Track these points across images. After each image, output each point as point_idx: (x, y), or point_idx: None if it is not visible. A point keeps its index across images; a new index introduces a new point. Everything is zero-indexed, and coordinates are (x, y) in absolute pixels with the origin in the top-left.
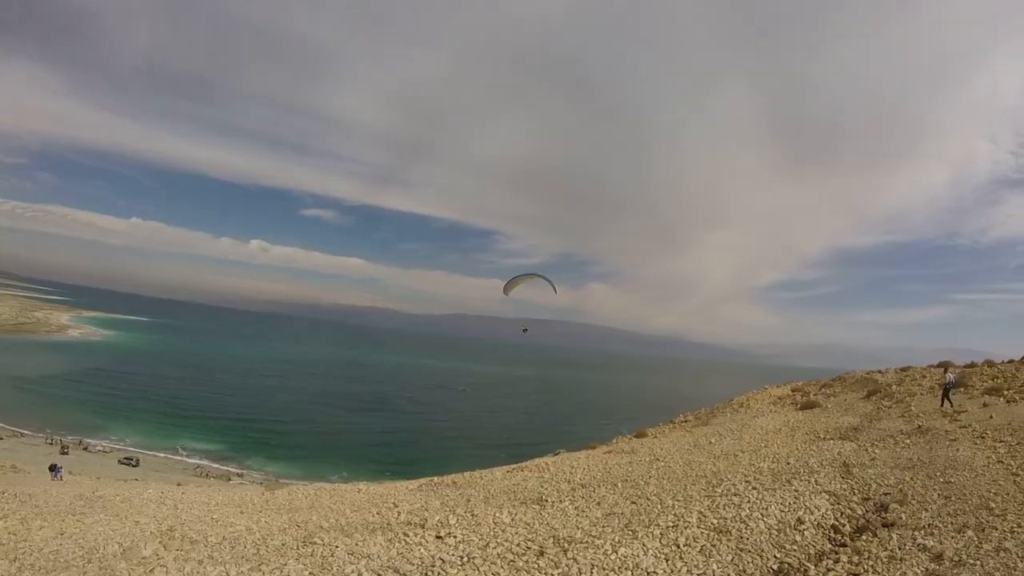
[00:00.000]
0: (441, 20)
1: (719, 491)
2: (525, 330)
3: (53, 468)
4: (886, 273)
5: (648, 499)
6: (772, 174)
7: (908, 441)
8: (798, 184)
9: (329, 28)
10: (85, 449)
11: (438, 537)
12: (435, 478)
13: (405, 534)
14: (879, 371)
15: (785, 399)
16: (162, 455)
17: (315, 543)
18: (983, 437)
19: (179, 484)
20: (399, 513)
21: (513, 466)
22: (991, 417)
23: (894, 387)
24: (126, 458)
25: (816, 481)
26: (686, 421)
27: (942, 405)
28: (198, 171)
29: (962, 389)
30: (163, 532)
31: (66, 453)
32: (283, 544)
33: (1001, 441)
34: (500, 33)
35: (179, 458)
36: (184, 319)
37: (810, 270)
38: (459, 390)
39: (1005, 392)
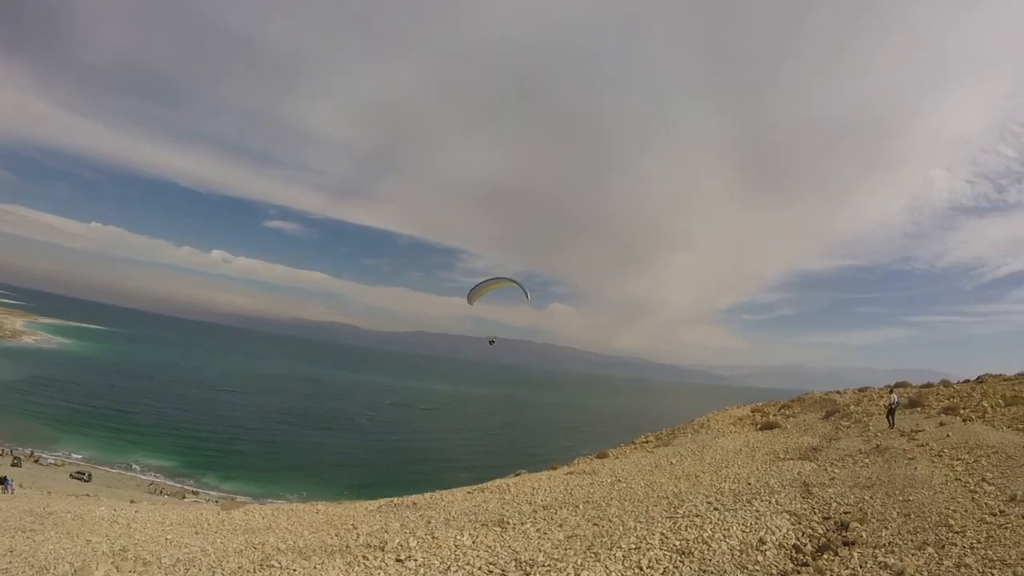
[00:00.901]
0: (412, 38)
1: (681, 512)
2: (492, 342)
3: (3, 481)
4: (844, 296)
5: (610, 521)
6: (733, 199)
7: (867, 460)
8: (758, 209)
9: (301, 39)
10: (36, 462)
11: (398, 560)
12: (395, 499)
13: (364, 557)
14: (837, 391)
15: (745, 420)
16: (115, 470)
17: (272, 566)
18: (940, 455)
19: (132, 501)
20: (358, 535)
21: (474, 487)
22: (948, 436)
23: (852, 407)
24: (78, 472)
25: (777, 501)
26: (647, 442)
27: (891, 426)
28: (161, 177)
29: (919, 409)
30: (115, 552)
31: (17, 465)
32: (239, 567)
33: (958, 459)
34: (470, 54)
35: (132, 473)
36: (142, 328)
37: (770, 293)
38: (419, 409)
39: (961, 411)
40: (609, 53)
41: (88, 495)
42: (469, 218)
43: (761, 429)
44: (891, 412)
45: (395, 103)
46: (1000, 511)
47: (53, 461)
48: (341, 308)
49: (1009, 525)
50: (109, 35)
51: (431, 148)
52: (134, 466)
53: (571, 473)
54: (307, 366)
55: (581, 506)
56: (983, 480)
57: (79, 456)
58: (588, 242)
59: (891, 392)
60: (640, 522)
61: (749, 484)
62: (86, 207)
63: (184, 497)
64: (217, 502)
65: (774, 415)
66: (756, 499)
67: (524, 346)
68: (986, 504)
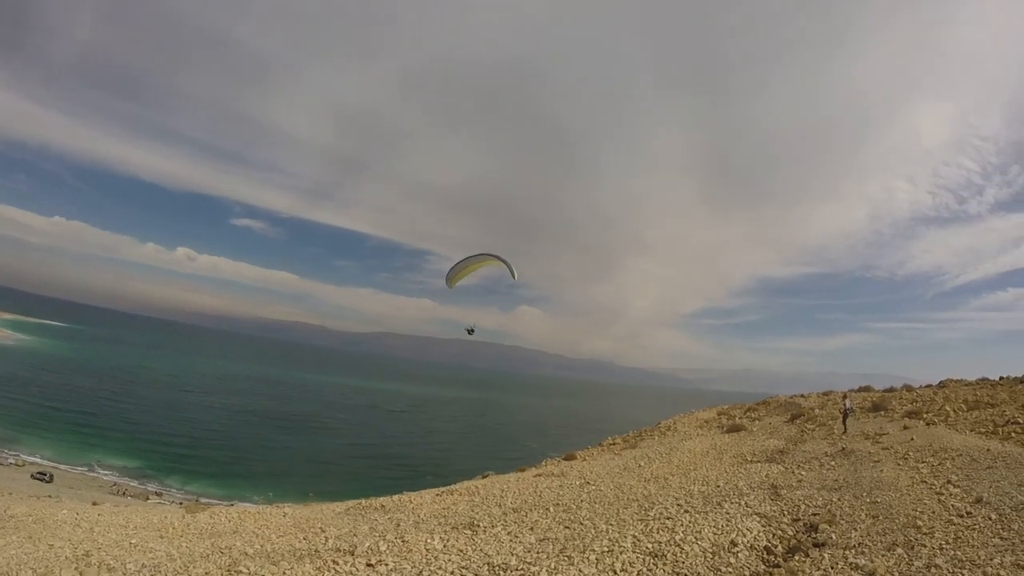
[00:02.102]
0: (384, 44)
1: (652, 515)
2: (471, 331)
3: None
4: (807, 302)
5: (581, 524)
6: (698, 207)
7: (833, 463)
8: (723, 217)
9: (275, 39)
10: None
11: (369, 565)
12: (363, 501)
13: (335, 561)
14: (802, 395)
15: (711, 422)
16: (77, 470)
17: (240, 572)
18: (905, 458)
19: (95, 503)
20: (327, 539)
21: (442, 489)
22: (912, 439)
23: (817, 411)
24: (40, 473)
25: (746, 503)
26: (614, 444)
27: (845, 431)
28: (128, 172)
29: (882, 413)
30: (79, 557)
31: None
32: (206, 573)
33: (923, 462)
34: (440, 61)
35: (95, 474)
36: (105, 326)
37: (734, 299)
38: (387, 411)
39: (925, 415)
40: (577, 63)
41: (50, 496)
42: (438, 221)
43: (727, 432)
44: (845, 417)
45: (366, 107)
46: (967, 512)
47: (13, 461)
48: (308, 308)
49: (976, 526)
50: (80, 29)
51: (401, 152)
52: (96, 467)
53: (540, 475)
54: (273, 367)
55: (551, 509)
56: (949, 482)
57: (40, 456)
58: (556, 246)
59: (845, 398)
60: (611, 525)
61: (718, 486)
62: (49, 201)
63: (147, 499)
64: (181, 504)
65: (740, 418)
66: (726, 501)
67: (492, 348)
68: (953, 506)
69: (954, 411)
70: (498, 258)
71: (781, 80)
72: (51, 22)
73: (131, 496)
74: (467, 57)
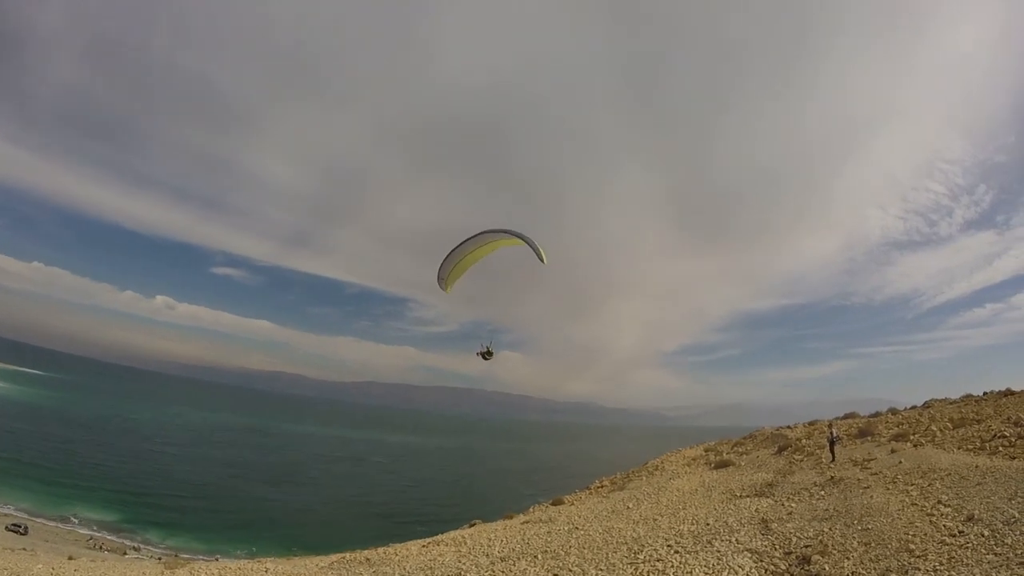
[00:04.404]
0: (364, 89)
1: (641, 557)
2: (488, 354)
3: None
4: (787, 333)
5: (570, 570)
6: (676, 244)
7: (823, 492)
8: (701, 253)
9: (253, 84)
10: None
11: None
12: (347, 554)
13: None
14: (788, 426)
15: (699, 459)
16: (53, 523)
17: None
18: (895, 482)
19: (71, 557)
20: None
21: (429, 540)
22: (900, 462)
23: (804, 441)
24: (14, 525)
25: (737, 540)
26: (602, 487)
27: (832, 459)
28: (107, 218)
29: (869, 438)
30: None
31: None
32: None
33: (912, 484)
34: (418, 106)
35: (71, 527)
36: (82, 375)
37: (715, 334)
38: (371, 461)
39: (911, 437)
40: (555, 107)
41: (24, 549)
42: (417, 267)
43: (715, 468)
44: (832, 445)
45: (343, 153)
46: (959, 531)
47: None
48: (287, 357)
49: (969, 544)
50: (62, 71)
51: (378, 198)
52: (73, 519)
53: (527, 522)
54: (253, 417)
55: (540, 556)
56: (939, 503)
57: (15, 508)
58: (537, 289)
59: (830, 426)
60: (601, 570)
61: (708, 524)
62: (28, 245)
63: (125, 553)
64: (160, 559)
65: (727, 453)
66: (716, 539)
67: (475, 395)
68: (944, 526)
69: (940, 430)
70: (515, 235)
71: (751, 116)
72: (32, 64)
73: (108, 550)
74: (444, 103)
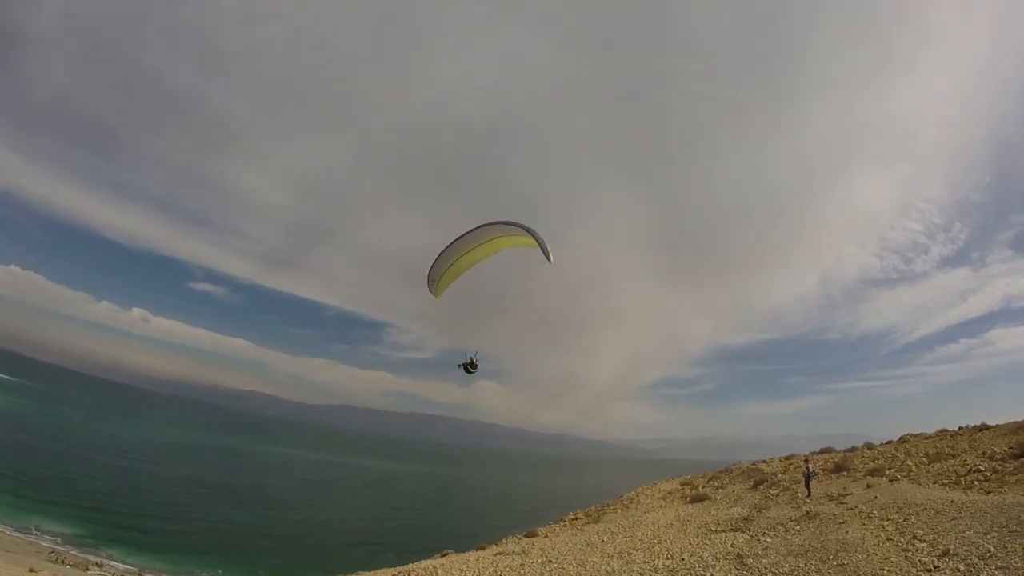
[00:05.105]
0: (351, 112)
1: None
2: (472, 365)
3: None
4: (765, 368)
5: None
6: (655, 277)
7: (798, 528)
8: (680, 287)
9: (242, 102)
10: None
11: None
12: None
13: None
14: (764, 461)
15: (674, 493)
16: (14, 533)
17: None
18: (870, 517)
19: (32, 569)
20: None
21: (400, 569)
22: (876, 497)
23: (779, 475)
24: None
25: None
26: (576, 519)
27: (808, 494)
28: (87, 226)
29: (845, 473)
30: None
31: None
32: None
33: (888, 519)
34: (401, 131)
35: (32, 538)
36: (52, 383)
37: (693, 368)
38: (342, 485)
39: (887, 472)
40: (538, 137)
41: None
42: (397, 292)
43: (691, 502)
44: (808, 480)
45: (328, 175)
46: (935, 567)
47: None
48: (263, 376)
49: None
50: (55, 76)
51: (362, 221)
52: (34, 530)
53: (500, 553)
54: (225, 436)
55: None
56: (915, 538)
57: None
58: (515, 318)
59: (806, 461)
60: None
61: (683, 559)
62: (5, 248)
63: (87, 569)
64: None
65: (703, 487)
66: (691, 575)
67: (450, 423)
68: (920, 561)
69: (916, 465)
70: (519, 227)
71: (733, 153)
72: (28, 67)
73: (70, 565)
74: (428, 129)
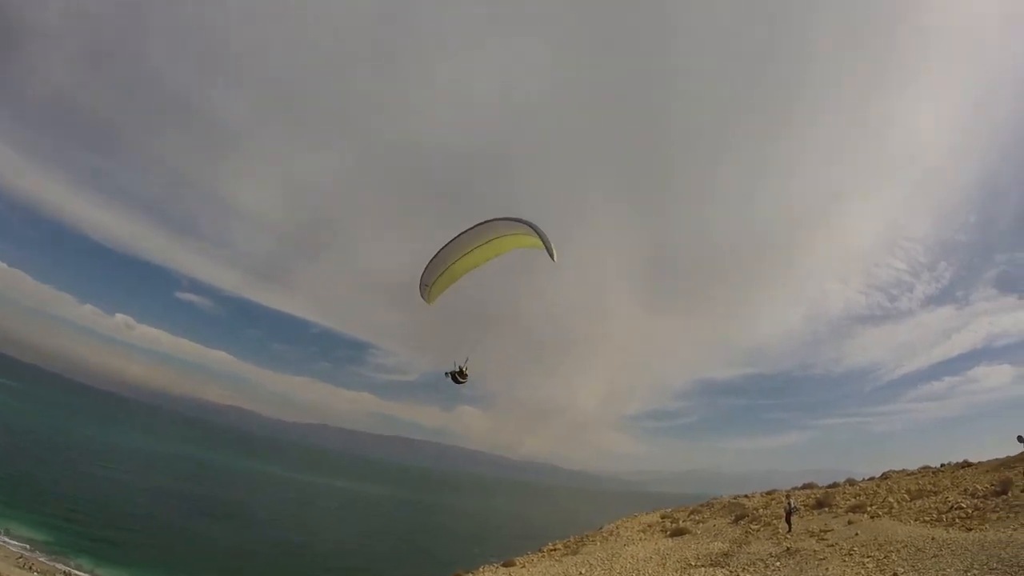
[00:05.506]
0: (345, 130)
1: None
2: (462, 375)
3: None
4: (749, 402)
5: None
6: (641, 309)
7: (778, 564)
8: (665, 319)
9: (241, 111)
10: None
11: None
12: None
13: None
14: (746, 495)
15: (655, 526)
16: None
17: None
18: (851, 554)
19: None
20: None
21: None
22: (857, 534)
23: (761, 510)
24: None
25: None
26: (555, 549)
27: (789, 529)
28: (77, 227)
29: (826, 509)
30: None
31: None
32: None
33: (869, 556)
34: (394, 151)
35: (1, 543)
36: (30, 383)
37: (676, 400)
38: (318, 505)
39: (868, 508)
40: (529, 163)
41: None
42: (383, 312)
43: (671, 536)
44: (789, 515)
45: (320, 190)
46: None
47: None
48: (243, 391)
49: None
50: (57, 72)
51: (353, 239)
52: (3, 534)
53: None
54: (203, 449)
55: None
56: (895, 575)
57: None
58: (499, 344)
59: (788, 497)
60: None
61: None
62: None
63: None
64: None
65: (683, 521)
66: None
67: (431, 447)
68: None
69: (898, 502)
70: (522, 223)
71: (724, 190)
72: (32, 60)
73: (38, 572)
74: (424, 150)
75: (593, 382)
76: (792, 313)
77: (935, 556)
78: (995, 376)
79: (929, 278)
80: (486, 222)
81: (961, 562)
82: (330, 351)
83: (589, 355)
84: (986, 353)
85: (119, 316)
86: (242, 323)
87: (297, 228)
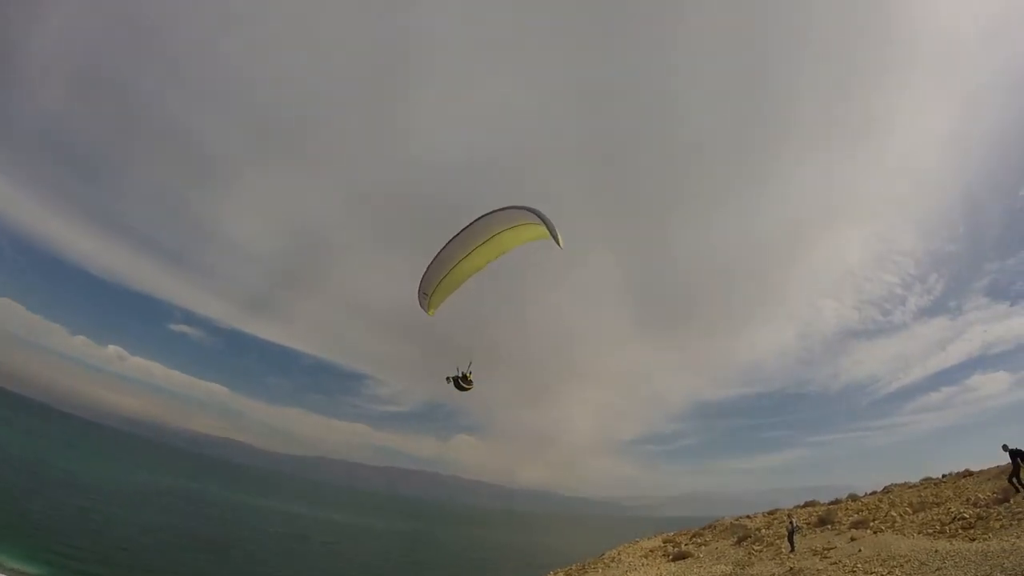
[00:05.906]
0: (339, 159)
1: None
2: (466, 380)
3: None
4: (746, 423)
5: None
6: (635, 333)
7: None
8: (660, 343)
9: (234, 142)
10: None
11: None
12: None
13: None
14: (747, 516)
15: (657, 551)
16: None
17: None
18: (854, 571)
19: None
20: None
21: None
22: (860, 550)
23: (763, 531)
24: None
25: None
26: None
27: (792, 549)
28: (70, 257)
29: (829, 526)
30: None
31: None
32: None
33: (872, 572)
34: (392, 181)
35: None
36: (19, 412)
37: (673, 423)
38: (314, 540)
39: (871, 524)
40: (525, 192)
41: None
42: (376, 343)
43: (673, 560)
44: (791, 535)
45: (311, 221)
46: None
47: None
48: (236, 424)
49: None
50: (50, 98)
51: (345, 270)
52: None
53: None
54: (196, 482)
55: None
56: None
57: None
58: (495, 373)
59: (789, 516)
60: None
61: None
62: None
63: None
64: None
65: (686, 544)
66: None
67: (428, 477)
68: None
69: (900, 516)
70: (527, 209)
71: (709, 210)
72: (26, 84)
73: None
74: (413, 180)
75: (590, 408)
76: (785, 331)
77: (938, 569)
78: (992, 384)
79: (921, 290)
80: (484, 216)
81: (964, 573)
82: (324, 382)
83: (585, 381)
84: (982, 361)
85: (112, 347)
86: (236, 355)
87: (291, 259)
